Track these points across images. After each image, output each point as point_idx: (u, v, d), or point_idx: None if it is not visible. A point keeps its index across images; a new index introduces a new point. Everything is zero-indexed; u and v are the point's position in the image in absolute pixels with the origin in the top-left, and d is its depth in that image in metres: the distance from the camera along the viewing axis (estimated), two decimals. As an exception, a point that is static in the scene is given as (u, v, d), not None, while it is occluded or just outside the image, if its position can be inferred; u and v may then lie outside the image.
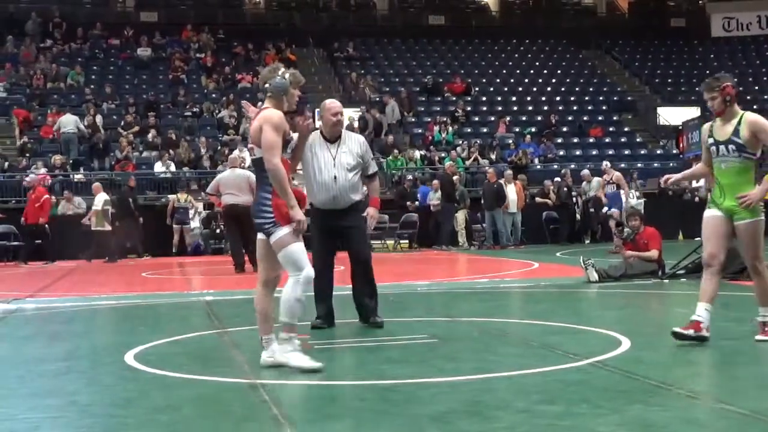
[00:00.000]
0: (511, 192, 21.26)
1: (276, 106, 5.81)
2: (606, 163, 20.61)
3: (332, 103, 7.64)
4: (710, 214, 6.40)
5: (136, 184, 22.03)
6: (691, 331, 6.24)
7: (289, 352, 5.68)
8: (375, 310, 7.60)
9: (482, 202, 21.51)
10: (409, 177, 23.65)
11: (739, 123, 6.19)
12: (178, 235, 21.25)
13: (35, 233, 19.72)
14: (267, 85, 5.81)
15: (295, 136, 6.00)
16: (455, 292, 11.41)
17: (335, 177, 7.39)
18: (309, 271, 5.71)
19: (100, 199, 19.78)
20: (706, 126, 6.50)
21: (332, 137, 7.51)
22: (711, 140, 6.34)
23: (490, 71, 33.89)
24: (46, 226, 19.61)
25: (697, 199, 22.93)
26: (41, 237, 19.75)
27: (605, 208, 19.83)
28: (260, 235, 5.85)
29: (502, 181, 21.37)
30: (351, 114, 27.38)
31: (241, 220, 14.37)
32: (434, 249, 21.24)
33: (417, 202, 22.30)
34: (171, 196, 21.66)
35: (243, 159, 15.78)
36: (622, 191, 19.71)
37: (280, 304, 5.70)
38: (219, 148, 25.17)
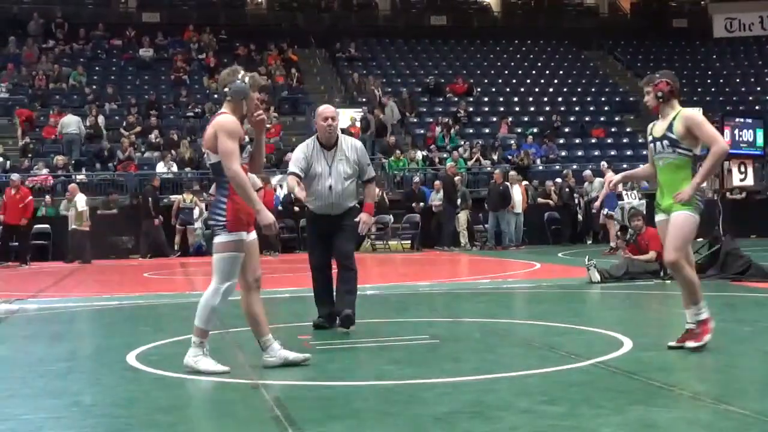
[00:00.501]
0: (517, 193, 21.28)
1: (234, 109, 5.77)
2: (603, 164, 20.62)
3: (324, 109, 7.56)
4: (657, 218, 6.32)
5: (159, 184, 22.14)
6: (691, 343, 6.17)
7: (199, 356, 5.71)
8: (348, 303, 7.36)
9: (486, 202, 21.47)
10: (416, 179, 23.64)
11: (674, 119, 6.13)
12: (180, 236, 21.26)
13: (17, 234, 19.51)
14: (226, 89, 5.76)
15: (261, 140, 6.03)
16: (457, 292, 11.41)
17: (330, 186, 7.37)
18: (232, 285, 5.72)
19: (81, 199, 19.80)
20: (650, 125, 6.47)
21: (328, 144, 7.44)
22: (650, 138, 6.32)
23: (492, 72, 33.88)
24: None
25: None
26: (22, 238, 19.62)
27: (605, 210, 19.70)
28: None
29: (508, 183, 21.37)
30: (353, 114, 27.41)
31: None
32: (436, 249, 21.23)
33: (422, 203, 22.32)
34: (176, 197, 21.68)
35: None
36: (623, 192, 19.71)
37: (198, 308, 5.73)
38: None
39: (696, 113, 6.16)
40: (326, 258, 7.60)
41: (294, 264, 16.82)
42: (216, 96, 29.19)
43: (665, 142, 6.16)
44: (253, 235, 5.82)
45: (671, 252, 6.12)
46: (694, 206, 6.08)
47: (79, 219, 19.57)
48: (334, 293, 7.54)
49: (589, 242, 22.12)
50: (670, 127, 6.14)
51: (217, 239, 5.70)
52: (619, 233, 15.24)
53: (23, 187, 19.79)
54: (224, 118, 5.70)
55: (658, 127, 6.26)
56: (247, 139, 5.86)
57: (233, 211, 5.65)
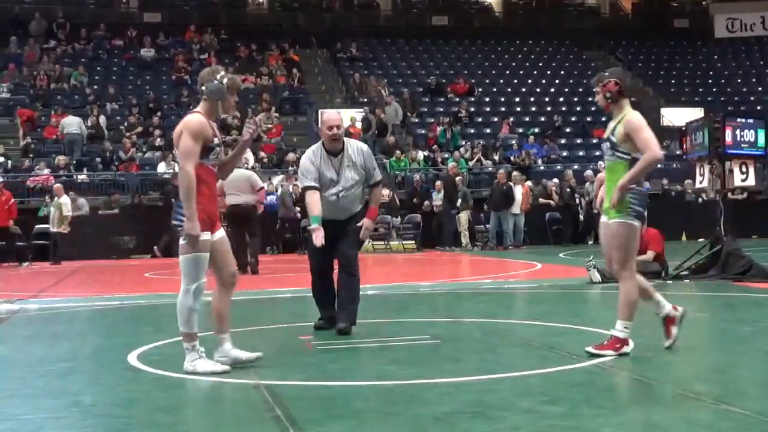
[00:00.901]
0: (518, 193, 21.29)
1: (209, 109, 5.74)
2: (600, 164, 20.58)
3: (329, 116, 7.47)
4: (600, 221, 6.25)
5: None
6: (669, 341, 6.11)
7: (196, 360, 5.70)
8: (349, 315, 7.34)
9: (487, 202, 21.44)
10: (416, 177, 23.64)
11: (618, 122, 6.05)
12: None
13: (5, 236, 19.60)
14: (203, 88, 5.74)
15: (238, 141, 6.07)
16: (458, 292, 11.41)
17: (338, 195, 7.30)
18: (202, 283, 5.69)
19: (67, 201, 19.82)
20: None
21: (333, 151, 7.33)
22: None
23: (494, 72, 33.88)
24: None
25: (700, 200, 22.90)
26: (9, 239, 19.70)
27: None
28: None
29: (511, 183, 21.37)
30: (354, 114, 27.43)
31: (244, 220, 14.41)
32: (437, 250, 21.24)
33: (427, 202, 22.33)
34: (177, 197, 21.69)
35: (246, 159, 15.78)
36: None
37: (177, 315, 5.71)
38: (222, 148, 25.15)
39: (637, 118, 5.97)
40: (329, 261, 7.52)
41: (294, 264, 16.83)
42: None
43: (607, 144, 6.12)
44: (219, 234, 5.79)
45: (615, 265, 6.09)
46: (625, 213, 5.94)
47: (60, 221, 19.60)
48: (336, 298, 7.50)
49: (591, 242, 22.10)
50: (613, 130, 6.07)
51: (182, 241, 5.66)
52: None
53: (5, 190, 19.88)
54: (192, 118, 5.68)
55: (607, 128, 6.24)
56: (216, 141, 5.80)
57: (200, 213, 5.62)
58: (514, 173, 22.04)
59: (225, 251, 5.83)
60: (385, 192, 6.74)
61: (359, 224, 7.38)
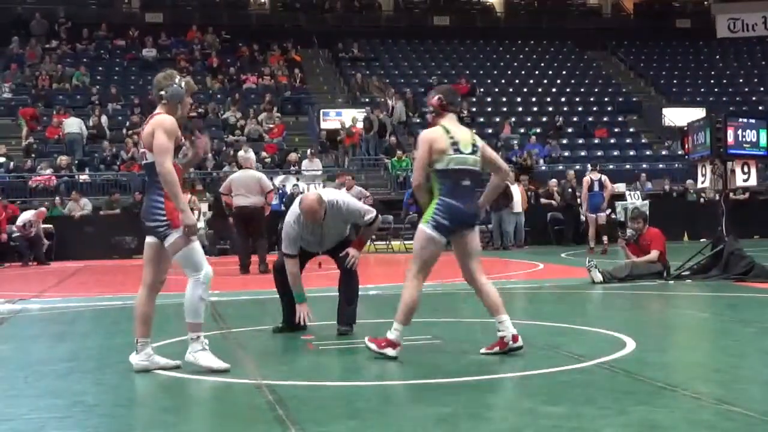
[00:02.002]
0: (516, 192, 21.26)
1: (169, 112, 5.84)
2: (588, 166, 20.55)
3: (306, 207, 7.08)
4: None
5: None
6: (497, 349, 6.11)
7: (198, 352, 5.78)
8: (348, 317, 7.39)
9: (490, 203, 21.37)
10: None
11: None
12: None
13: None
14: (162, 92, 5.83)
15: (195, 158, 6.22)
16: (459, 292, 11.40)
17: (320, 243, 7.36)
18: (208, 270, 5.77)
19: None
20: None
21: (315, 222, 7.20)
22: None
23: (495, 72, 33.87)
24: None
25: (702, 200, 22.90)
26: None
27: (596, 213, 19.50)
28: (149, 239, 5.89)
29: (507, 182, 21.36)
30: (355, 115, 27.43)
31: (250, 221, 14.43)
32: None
33: None
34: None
35: (248, 159, 15.76)
36: (626, 193, 19.71)
37: (184, 306, 5.77)
38: (224, 148, 25.19)
39: (423, 133, 6.21)
40: (302, 264, 7.47)
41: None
42: (219, 96, 29.27)
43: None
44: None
45: (410, 265, 6.24)
46: (425, 221, 6.09)
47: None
48: (339, 296, 7.51)
49: (592, 243, 22.08)
50: None
51: (168, 240, 5.71)
52: (621, 234, 15.21)
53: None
54: (163, 117, 5.76)
55: None
56: (184, 140, 5.95)
57: (171, 210, 5.69)
58: (510, 173, 21.97)
59: (168, 258, 5.88)
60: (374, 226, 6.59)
61: (345, 252, 7.33)
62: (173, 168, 5.64)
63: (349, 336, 7.23)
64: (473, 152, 6.18)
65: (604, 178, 19.58)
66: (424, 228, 6.09)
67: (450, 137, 6.12)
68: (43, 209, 20.28)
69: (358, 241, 7.40)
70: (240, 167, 16.22)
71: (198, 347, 5.79)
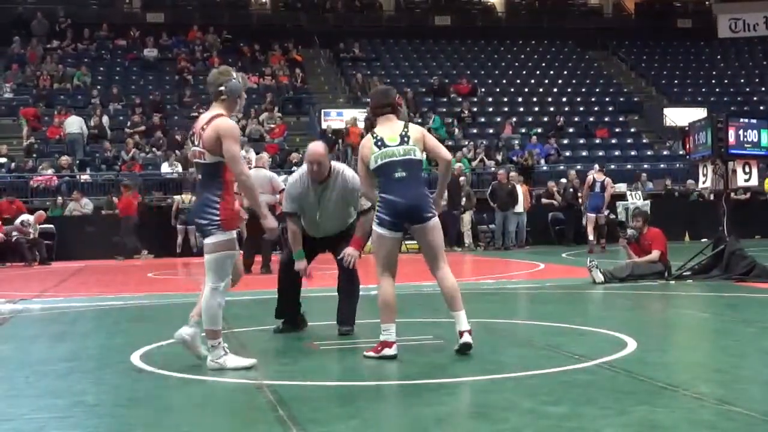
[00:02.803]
0: (519, 193, 21.30)
1: (228, 108, 5.84)
2: (596, 166, 20.57)
3: (311, 150, 7.17)
4: None
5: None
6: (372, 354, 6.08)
7: (222, 358, 5.77)
8: (347, 318, 7.36)
9: (494, 203, 21.28)
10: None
11: None
12: (182, 236, 21.29)
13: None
14: (222, 88, 5.81)
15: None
16: (461, 292, 11.39)
17: (318, 216, 7.25)
18: (227, 283, 5.82)
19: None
20: None
21: (317, 180, 7.17)
22: None
23: (496, 72, 33.87)
24: None
25: (703, 200, 22.91)
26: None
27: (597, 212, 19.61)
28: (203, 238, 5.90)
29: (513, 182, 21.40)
30: (356, 114, 27.41)
31: (259, 221, 14.47)
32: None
33: None
34: (176, 197, 21.70)
35: (249, 160, 15.74)
36: (627, 192, 19.74)
37: (203, 314, 5.77)
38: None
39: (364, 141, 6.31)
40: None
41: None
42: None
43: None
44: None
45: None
46: (374, 220, 6.19)
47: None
48: (338, 299, 7.48)
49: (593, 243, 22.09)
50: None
51: (210, 239, 5.72)
52: (621, 233, 15.22)
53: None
54: (226, 122, 5.73)
55: None
56: (243, 138, 5.98)
57: (226, 210, 5.70)
58: (512, 173, 22.00)
59: (237, 256, 5.97)
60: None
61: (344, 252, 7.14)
62: (249, 173, 5.71)
63: (350, 336, 7.23)
64: (402, 143, 6.12)
65: (608, 180, 19.63)
66: (373, 227, 6.19)
67: (374, 136, 6.19)
68: (42, 212, 20.26)
69: (356, 240, 7.22)
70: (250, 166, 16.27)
71: (221, 353, 5.78)
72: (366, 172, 6.22)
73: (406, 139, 6.15)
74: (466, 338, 6.08)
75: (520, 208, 21.25)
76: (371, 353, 6.07)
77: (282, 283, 7.54)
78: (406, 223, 6.15)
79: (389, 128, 6.22)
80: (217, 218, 5.69)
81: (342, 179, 7.22)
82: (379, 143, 6.15)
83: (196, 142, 5.84)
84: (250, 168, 15.49)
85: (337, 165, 7.31)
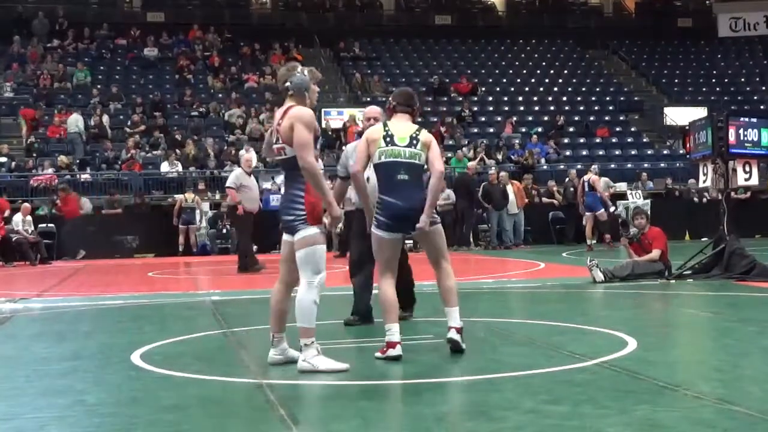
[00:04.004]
0: (510, 193, 21.26)
1: (300, 103, 5.78)
2: (594, 167, 20.59)
3: (368, 108, 7.86)
4: None
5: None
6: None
7: (314, 358, 5.61)
8: (406, 306, 7.87)
9: (489, 202, 21.28)
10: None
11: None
12: (183, 235, 21.30)
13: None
14: (288, 84, 5.78)
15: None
16: (461, 292, 11.34)
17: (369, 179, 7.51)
18: (323, 276, 5.68)
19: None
20: None
21: None
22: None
23: (497, 71, 33.86)
24: None
25: (704, 200, 22.90)
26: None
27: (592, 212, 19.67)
28: (287, 237, 5.80)
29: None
30: (356, 114, 27.38)
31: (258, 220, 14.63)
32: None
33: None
34: (178, 196, 21.71)
35: (249, 159, 15.68)
36: (627, 192, 19.79)
37: (295, 309, 5.64)
38: (225, 148, 25.20)
39: (368, 129, 6.54)
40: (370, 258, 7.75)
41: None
42: (220, 95, 29.26)
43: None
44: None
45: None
46: (372, 221, 6.21)
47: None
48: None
49: (594, 242, 22.08)
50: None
51: (300, 234, 5.62)
52: (622, 232, 15.22)
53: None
54: (301, 110, 5.69)
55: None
56: (320, 131, 5.92)
57: (311, 205, 5.65)
58: (502, 173, 21.90)
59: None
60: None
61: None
62: (315, 161, 5.59)
63: (351, 335, 7.24)
64: (410, 145, 6.13)
65: (593, 179, 19.71)
66: (372, 229, 6.17)
67: (386, 130, 6.20)
68: (27, 205, 20.24)
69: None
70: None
71: (313, 352, 5.61)
72: (363, 153, 6.19)
73: (415, 142, 6.16)
74: (452, 334, 6.12)
75: (513, 207, 21.22)
76: (379, 354, 6.05)
77: (357, 283, 7.86)
78: (407, 227, 6.10)
79: (402, 127, 6.23)
80: (303, 213, 5.62)
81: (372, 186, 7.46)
82: (389, 139, 6.15)
83: (274, 138, 5.78)
84: (251, 167, 15.54)
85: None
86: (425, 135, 6.27)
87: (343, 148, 9.51)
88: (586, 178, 19.76)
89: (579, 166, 24.43)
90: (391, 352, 5.97)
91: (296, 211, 5.65)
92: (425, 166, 6.21)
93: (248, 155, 16.11)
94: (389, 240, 6.13)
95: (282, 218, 5.73)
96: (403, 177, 6.07)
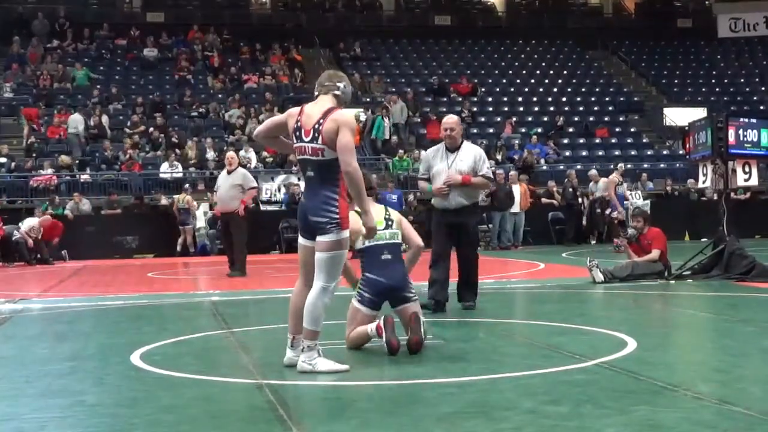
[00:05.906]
0: (516, 193, 21.28)
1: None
2: (620, 165, 20.63)
3: (445, 120, 8.85)
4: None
5: None
6: None
7: (315, 359, 5.62)
8: (469, 297, 8.84)
9: (493, 203, 21.23)
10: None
11: None
12: (183, 236, 21.31)
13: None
14: (340, 85, 5.89)
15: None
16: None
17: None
18: (338, 283, 5.72)
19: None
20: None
21: (451, 148, 8.69)
22: None
23: (496, 72, 33.86)
24: None
25: (703, 199, 22.90)
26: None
27: (609, 210, 19.91)
28: (305, 242, 5.73)
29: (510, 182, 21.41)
30: (356, 113, 27.39)
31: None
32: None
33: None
34: (175, 197, 21.71)
35: (249, 159, 15.68)
36: (627, 192, 19.83)
37: (305, 311, 5.62)
38: (225, 148, 25.18)
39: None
40: (446, 252, 8.79)
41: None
42: (220, 95, 29.25)
43: None
44: None
45: None
46: (354, 295, 6.65)
47: None
48: (457, 286, 8.91)
49: (593, 242, 22.10)
50: None
51: (326, 237, 5.56)
52: (622, 232, 15.25)
53: None
54: (346, 114, 5.73)
55: None
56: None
57: (345, 209, 5.64)
58: (512, 173, 21.96)
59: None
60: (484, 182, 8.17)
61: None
62: (359, 168, 5.61)
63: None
64: (387, 227, 6.64)
65: (602, 180, 19.79)
66: (353, 302, 6.56)
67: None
68: (48, 217, 20.04)
69: (466, 177, 8.59)
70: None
71: (314, 355, 5.61)
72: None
73: (390, 222, 6.68)
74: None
75: (516, 208, 21.24)
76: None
77: (437, 273, 8.64)
78: (391, 301, 6.58)
79: (375, 211, 6.38)
80: (337, 216, 5.57)
81: (471, 150, 8.74)
82: None
83: (308, 138, 5.67)
84: (249, 167, 15.56)
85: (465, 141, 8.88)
86: (394, 214, 6.79)
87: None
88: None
89: (578, 167, 24.46)
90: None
91: (330, 214, 5.57)
92: (402, 244, 6.73)
93: (248, 155, 16.10)
94: (366, 315, 6.51)
95: (311, 219, 5.61)
96: (386, 257, 6.57)
